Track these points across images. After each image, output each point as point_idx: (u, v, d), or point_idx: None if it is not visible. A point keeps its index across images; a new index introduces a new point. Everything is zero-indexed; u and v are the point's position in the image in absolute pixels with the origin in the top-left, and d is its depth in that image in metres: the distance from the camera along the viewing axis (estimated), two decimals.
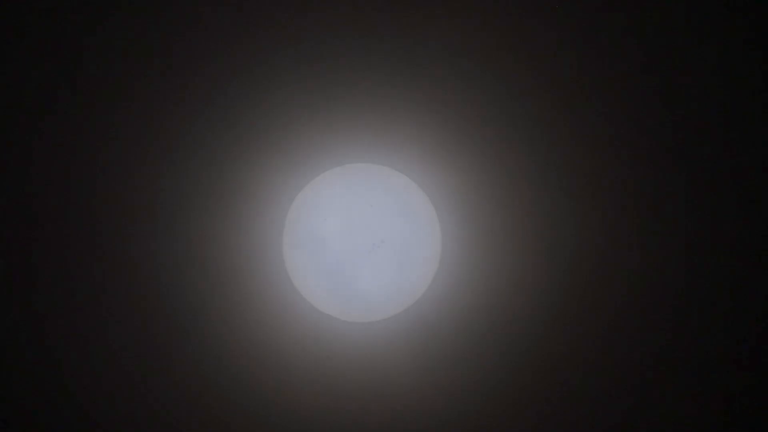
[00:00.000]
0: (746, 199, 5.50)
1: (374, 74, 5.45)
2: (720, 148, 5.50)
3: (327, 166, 5.45)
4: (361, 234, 5.37)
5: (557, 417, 5.49)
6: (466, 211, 5.48)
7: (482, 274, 5.47)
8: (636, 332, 5.49)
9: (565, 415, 5.49)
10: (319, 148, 5.46)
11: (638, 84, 5.50)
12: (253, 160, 5.45)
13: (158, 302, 5.42)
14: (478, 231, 5.47)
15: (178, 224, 5.43)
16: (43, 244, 5.43)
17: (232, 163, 5.43)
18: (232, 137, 5.45)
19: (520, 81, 5.47)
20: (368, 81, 5.45)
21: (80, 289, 5.43)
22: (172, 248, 5.42)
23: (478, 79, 5.46)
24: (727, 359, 5.48)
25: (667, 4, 5.51)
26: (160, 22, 5.47)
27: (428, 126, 5.45)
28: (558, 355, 5.47)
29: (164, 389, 5.44)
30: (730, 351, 5.49)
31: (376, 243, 5.37)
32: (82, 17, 5.47)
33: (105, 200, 5.44)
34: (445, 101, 5.46)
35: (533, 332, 5.47)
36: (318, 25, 5.47)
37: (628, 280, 5.48)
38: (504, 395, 5.47)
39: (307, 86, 5.45)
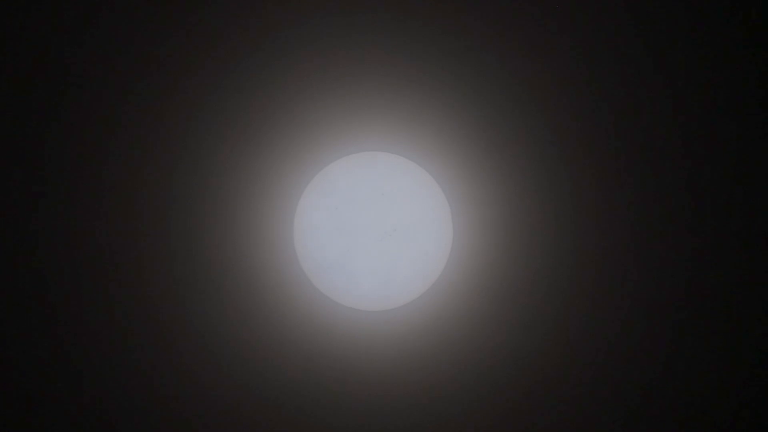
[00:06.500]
0: (748, 199, 5.49)
1: (386, 62, 5.43)
2: (724, 148, 5.50)
3: (338, 155, 5.43)
4: (373, 223, 5.36)
5: (565, 408, 5.51)
6: (477, 200, 5.47)
7: (494, 262, 5.46)
8: (643, 327, 5.50)
9: (573, 406, 5.50)
10: (331, 137, 5.44)
11: (646, 81, 5.49)
12: (263, 149, 5.43)
13: (169, 297, 5.42)
14: (490, 219, 5.47)
15: (187, 216, 5.42)
16: (56, 244, 5.42)
17: (242, 152, 5.42)
18: (242, 126, 5.43)
19: (536, 73, 5.45)
20: (380, 69, 5.43)
21: (88, 286, 5.43)
22: (180, 241, 5.41)
23: (492, 70, 5.44)
24: (732, 362, 5.49)
25: (672, 3, 5.50)
26: (163, 10, 5.45)
27: (440, 114, 5.44)
28: (568, 346, 5.47)
29: (176, 384, 5.44)
30: (735, 353, 5.50)
31: (388, 231, 5.36)
32: (81, 14, 5.44)
33: (112, 191, 5.43)
34: (459, 90, 5.44)
35: (545, 322, 5.47)
36: (330, 11, 5.44)
37: (635, 276, 5.49)
38: (515, 385, 5.48)
39: (319, 74, 5.43)
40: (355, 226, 5.36)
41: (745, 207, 5.49)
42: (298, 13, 5.45)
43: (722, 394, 5.49)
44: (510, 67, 5.46)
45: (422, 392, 5.48)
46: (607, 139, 5.48)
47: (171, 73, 5.44)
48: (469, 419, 5.49)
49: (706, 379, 5.49)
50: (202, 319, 5.43)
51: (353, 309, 5.44)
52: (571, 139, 5.47)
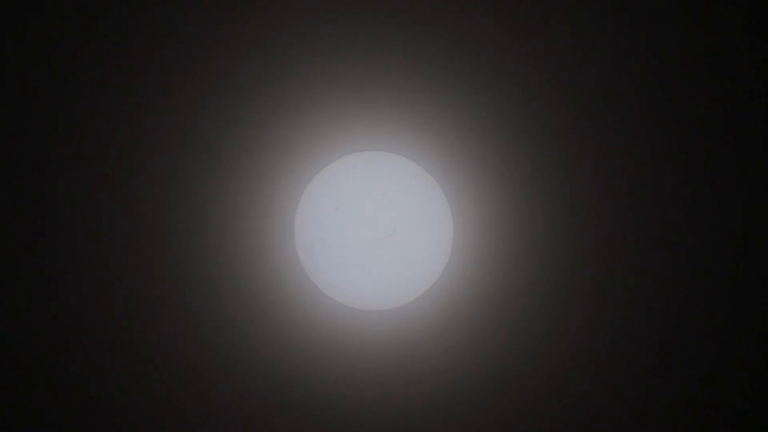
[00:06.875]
0: (748, 199, 5.50)
1: (386, 62, 5.43)
2: (724, 148, 5.50)
3: (339, 155, 5.43)
4: (373, 222, 5.36)
5: (565, 408, 5.51)
6: (478, 200, 5.47)
7: (494, 262, 5.46)
8: (643, 327, 5.51)
9: (573, 406, 5.51)
10: (331, 136, 5.44)
11: (646, 81, 5.49)
12: (263, 149, 5.43)
13: (170, 297, 5.41)
14: (490, 220, 5.47)
15: (188, 216, 5.41)
16: (57, 245, 5.42)
17: (242, 152, 5.42)
18: (242, 126, 5.43)
19: (536, 74, 5.45)
20: (381, 69, 5.43)
21: (88, 286, 5.42)
22: (181, 241, 5.41)
23: (493, 70, 5.44)
24: (732, 362, 5.50)
25: (674, 4, 5.50)
26: (163, 10, 5.44)
27: (441, 114, 5.44)
28: (568, 346, 5.47)
29: (178, 383, 5.44)
30: (735, 353, 5.50)
31: (389, 231, 5.36)
32: (81, 15, 5.44)
33: (112, 191, 5.43)
34: (459, 90, 5.44)
35: (545, 322, 5.47)
36: (331, 12, 5.44)
37: (635, 276, 5.49)
38: (514, 384, 5.48)
39: (319, 74, 5.43)
40: (355, 225, 5.36)
41: (746, 207, 5.50)
42: (298, 13, 5.45)
43: (722, 394, 5.49)
44: (510, 68, 5.46)
45: (422, 391, 5.48)
46: (607, 139, 5.48)
47: (171, 73, 5.44)
48: (469, 419, 5.49)
49: (706, 379, 5.50)
50: (203, 318, 5.42)
51: (354, 309, 5.44)
52: (571, 140, 5.47)
